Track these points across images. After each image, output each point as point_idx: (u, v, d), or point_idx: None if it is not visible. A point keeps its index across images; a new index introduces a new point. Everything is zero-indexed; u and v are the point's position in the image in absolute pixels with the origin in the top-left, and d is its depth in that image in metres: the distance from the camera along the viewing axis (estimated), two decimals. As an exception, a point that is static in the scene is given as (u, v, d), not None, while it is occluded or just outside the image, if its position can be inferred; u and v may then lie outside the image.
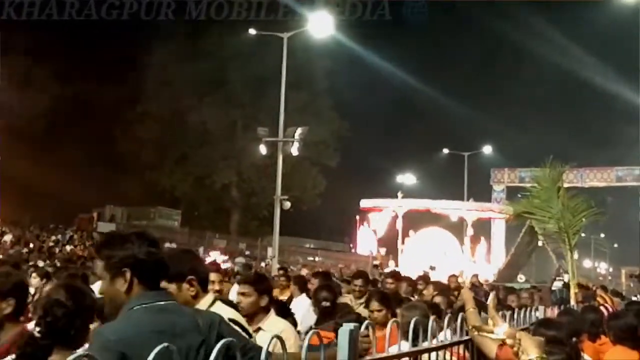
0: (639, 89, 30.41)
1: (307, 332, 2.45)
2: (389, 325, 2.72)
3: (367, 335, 2.58)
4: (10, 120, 32.76)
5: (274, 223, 24.10)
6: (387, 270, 25.18)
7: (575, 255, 8.07)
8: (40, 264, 12.77)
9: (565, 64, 47.91)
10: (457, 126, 52.35)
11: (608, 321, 4.98)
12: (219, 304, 3.09)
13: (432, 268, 21.06)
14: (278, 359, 2.10)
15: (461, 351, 3.48)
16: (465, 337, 3.62)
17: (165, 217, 46.41)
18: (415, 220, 31.59)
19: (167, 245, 37.42)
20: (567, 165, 8.47)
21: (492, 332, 2.70)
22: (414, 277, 11.31)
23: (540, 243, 26.47)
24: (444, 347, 3.25)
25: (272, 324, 4.22)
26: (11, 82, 33.74)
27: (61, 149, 39.45)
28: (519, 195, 9.88)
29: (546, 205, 7.67)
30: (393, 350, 3.04)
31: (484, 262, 29.71)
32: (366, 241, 36.39)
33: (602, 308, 7.41)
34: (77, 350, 2.90)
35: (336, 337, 2.30)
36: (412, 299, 7.22)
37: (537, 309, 5.67)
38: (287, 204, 23.96)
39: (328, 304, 5.42)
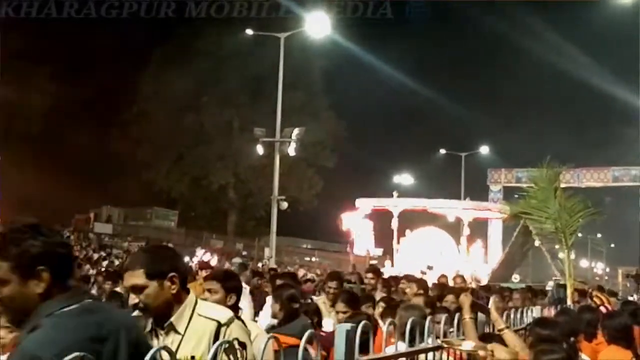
0: (637, 89, 30.43)
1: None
2: (385, 327, 2.72)
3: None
4: (7, 120, 32.70)
5: (271, 223, 24.10)
6: (382, 270, 25.21)
7: (572, 255, 8.08)
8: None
9: (562, 64, 47.97)
10: (454, 126, 52.44)
11: (603, 321, 5.00)
12: (203, 304, 2.97)
13: (430, 268, 21.05)
14: None
15: (458, 352, 3.48)
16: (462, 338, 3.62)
17: (162, 218, 46.40)
18: (411, 220, 31.57)
19: (163, 245, 37.71)
20: (564, 165, 8.48)
21: (460, 346, 2.73)
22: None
23: (537, 243, 26.48)
24: (440, 347, 3.25)
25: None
26: (9, 82, 33.69)
27: (58, 149, 39.42)
28: (516, 196, 9.90)
29: (543, 206, 7.68)
30: (390, 350, 3.05)
31: (478, 262, 29.66)
32: (363, 241, 36.38)
33: (602, 308, 7.42)
34: None
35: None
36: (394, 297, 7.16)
37: (530, 310, 5.67)
38: (284, 205, 23.97)
39: (297, 305, 5.09)
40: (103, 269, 16.33)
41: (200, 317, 2.82)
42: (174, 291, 2.78)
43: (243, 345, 2.75)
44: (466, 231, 30.60)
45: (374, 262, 29.95)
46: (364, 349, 2.67)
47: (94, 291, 9.04)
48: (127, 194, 43.66)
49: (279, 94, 24.39)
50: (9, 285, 2.08)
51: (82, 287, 2.53)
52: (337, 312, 5.22)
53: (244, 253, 38.35)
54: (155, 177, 44.10)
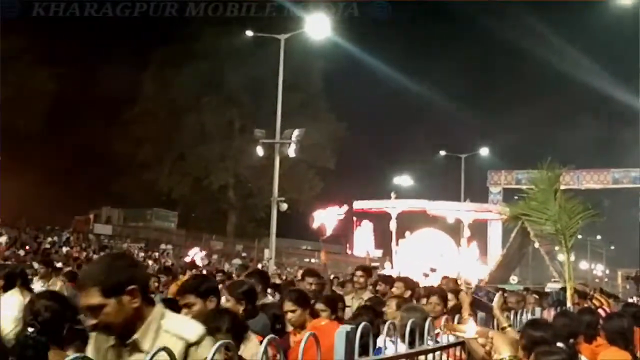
0: (637, 91, 30.46)
1: None
2: (387, 328, 2.71)
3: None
4: (7, 120, 32.69)
5: (271, 225, 24.09)
6: (382, 272, 25.18)
7: (572, 257, 8.07)
8: (36, 265, 12.75)
9: (563, 66, 48.02)
10: (454, 128, 52.45)
11: (603, 323, 5.02)
12: (170, 318, 2.60)
13: (433, 270, 20.99)
14: None
15: (458, 353, 3.48)
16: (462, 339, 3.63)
17: (162, 219, 46.39)
18: (411, 222, 31.55)
19: (162, 246, 37.70)
20: (564, 167, 8.47)
21: (463, 331, 2.70)
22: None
23: (536, 245, 26.47)
24: (440, 348, 3.25)
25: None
26: (9, 82, 33.71)
27: (58, 150, 39.40)
28: (516, 197, 9.90)
29: (543, 207, 7.67)
30: (390, 351, 3.04)
31: (471, 264, 29.61)
32: (362, 243, 36.37)
33: (600, 311, 7.42)
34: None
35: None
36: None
37: (527, 311, 5.66)
38: (284, 206, 23.96)
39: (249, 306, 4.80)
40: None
41: (167, 333, 2.50)
42: (136, 304, 2.49)
43: None
44: (467, 233, 30.58)
45: (375, 264, 29.99)
46: (364, 352, 2.67)
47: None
48: (127, 194, 43.65)
49: (279, 95, 24.40)
50: None
51: None
52: (286, 312, 4.89)
53: (244, 254, 38.36)
54: (155, 178, 44.11)
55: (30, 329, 3.17)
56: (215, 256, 36.78)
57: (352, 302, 7.20)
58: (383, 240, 32.31)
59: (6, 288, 5.95)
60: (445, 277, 9.73)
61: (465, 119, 52.66)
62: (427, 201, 31.87)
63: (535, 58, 52.44)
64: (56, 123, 40.30)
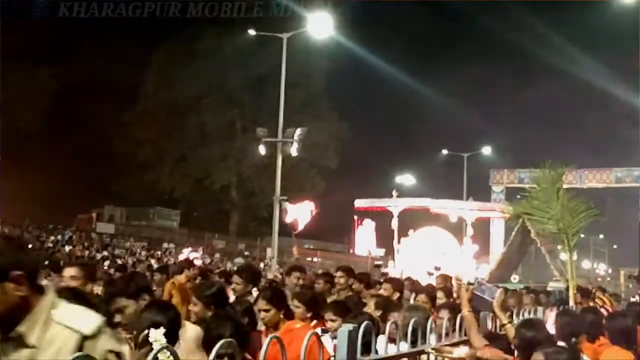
0: (639, 89, 30.39)
1: None
2: (387, 327, 2.71)
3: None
4: (7, 120, 32.76)
5: (273, 223, 24.09)
6: (385, 270, 25.16)
7: (574, 256, 8.06)
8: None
9: (564, 65, 47.93)
10: (457, 127, 52.37)
11: (606, 322, 5.00)
12: (63, 307, 2.28)
13: (437, 269, 20.95)
14: None
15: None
16: (464, 338, 3.62)
17: (164, 218, 46.44)
18: (413, 220, 31.54)
19: (165, 245, 37.73)
20: (566, 166, 8.46)
21: (451, 353, 2.73)
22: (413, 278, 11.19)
23: (538, 244, 26.43)
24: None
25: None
26: (9, 82, 33.74)
27: (60, 149, 39.45)
28: (519, 196, 9.86)
29: (545, 206, 7.66)
30: (392, 350, 3.04)
31: (468, 262, 29.57)
32: (364, 242, 36.39)
33: (602, 310, 7.41)
34: None
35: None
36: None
37: (527, 311, 5.66)
38: (287, 205, 23.96)
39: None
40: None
41: (59, 325, 2.20)
42: (21, 293, 2.18)
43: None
44: (470, 231, 30.58)
45: (378, 262, 30.00)
46: (366, 350, 2.67)
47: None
48: (129, 193, 43.70)
49: (282, 95, 24.37)
50: None
51: None
52: (259, 311, 4.71)
53: (246, 253, 38.37)
54: (157, 177, 44.15)
55: None
56: (217, 255, 36.81)
57: None
58: (385, 239, 32.32)
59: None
60: (440, 276, 9.65)
61: (467, 117, 52.64)
62: (429, 199, 31.81)
63: (537, 57, 52.36)
64: (57, 123, 40.36)
